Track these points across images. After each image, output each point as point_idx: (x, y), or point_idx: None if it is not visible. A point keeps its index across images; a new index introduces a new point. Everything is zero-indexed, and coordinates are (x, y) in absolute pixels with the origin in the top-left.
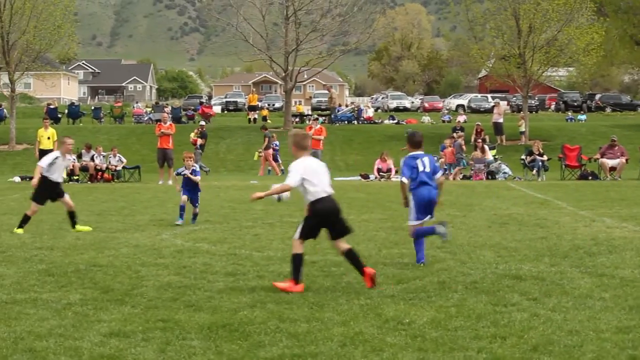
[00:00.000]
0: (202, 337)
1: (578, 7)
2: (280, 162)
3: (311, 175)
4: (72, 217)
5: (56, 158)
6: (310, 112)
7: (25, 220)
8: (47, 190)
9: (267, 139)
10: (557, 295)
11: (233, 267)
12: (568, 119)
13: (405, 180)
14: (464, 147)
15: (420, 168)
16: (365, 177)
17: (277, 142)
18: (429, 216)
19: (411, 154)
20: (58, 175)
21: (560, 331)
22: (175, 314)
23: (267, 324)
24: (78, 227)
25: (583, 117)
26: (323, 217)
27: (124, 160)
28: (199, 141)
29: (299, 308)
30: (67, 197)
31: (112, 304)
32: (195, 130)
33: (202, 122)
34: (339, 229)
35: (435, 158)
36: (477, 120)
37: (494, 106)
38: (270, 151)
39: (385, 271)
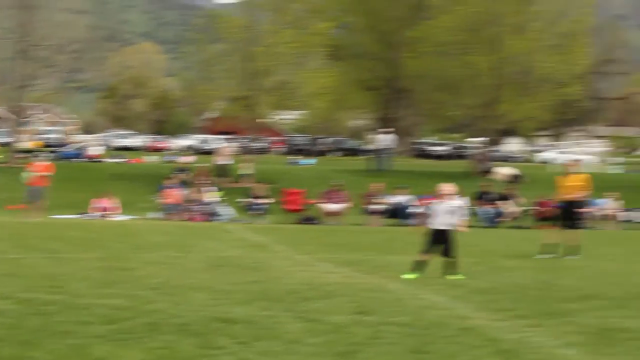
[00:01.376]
0: None
1: (309, 52)
2: None
3: None
4: None
5: None
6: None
7: None
8: None
9: None
10: (267, 339)
11: None
12: (293, 162)
13: None
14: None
15: None
16: (86, 214)
17: None
18: None
19: None
20: None
21: None
22: None
23: None
24: None
25: (311, 161)
26: None
27: None
28: None
29: (10, 346)
30: None
31: None
32: None
33: None
34: None
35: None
36: (203, 161)
37: (219, 148)
38: None
39: (96, 311)
